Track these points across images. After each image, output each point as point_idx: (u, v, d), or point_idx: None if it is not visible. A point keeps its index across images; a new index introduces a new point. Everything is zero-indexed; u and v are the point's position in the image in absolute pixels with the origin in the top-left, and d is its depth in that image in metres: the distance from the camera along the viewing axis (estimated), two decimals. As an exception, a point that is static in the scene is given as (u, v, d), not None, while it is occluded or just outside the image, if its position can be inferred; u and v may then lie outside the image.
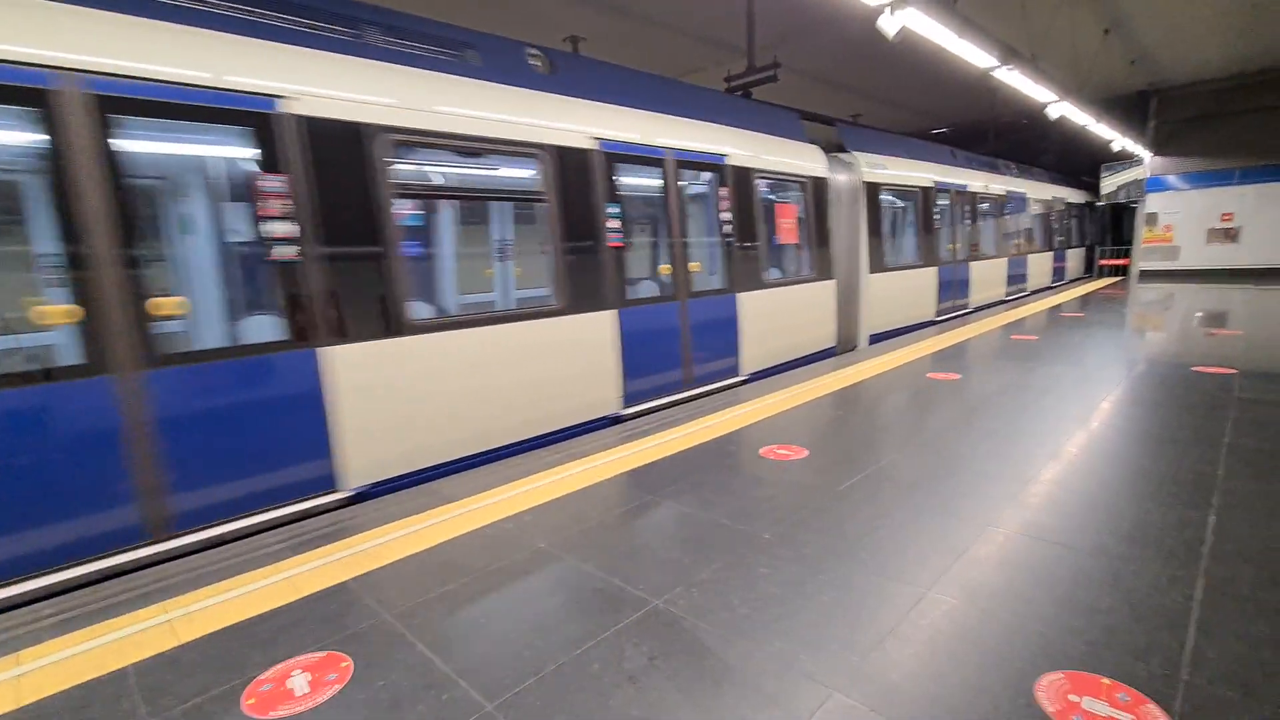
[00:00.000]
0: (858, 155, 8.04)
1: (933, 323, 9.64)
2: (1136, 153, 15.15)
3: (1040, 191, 14.49)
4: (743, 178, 6.11)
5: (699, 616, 2.15)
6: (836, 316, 7.58)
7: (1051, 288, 14.89)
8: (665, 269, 5.59)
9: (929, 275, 9.58)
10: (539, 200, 4.47)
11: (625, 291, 5.02)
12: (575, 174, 4.59)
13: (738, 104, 6.82)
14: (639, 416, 5.00)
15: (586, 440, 4.28)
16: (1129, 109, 14.64)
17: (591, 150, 4.72)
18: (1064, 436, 3.83)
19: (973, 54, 6.37)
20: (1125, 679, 1.75)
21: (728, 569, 2.47)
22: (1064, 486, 3.11)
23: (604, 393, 4.87)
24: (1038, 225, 14.35)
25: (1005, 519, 2.77)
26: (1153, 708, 1.64)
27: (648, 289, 5.92)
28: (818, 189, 7.21)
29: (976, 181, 11.21)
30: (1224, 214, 14.66)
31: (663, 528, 2.88)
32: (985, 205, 11.52)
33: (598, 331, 4.78)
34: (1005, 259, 12.44)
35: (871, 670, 1.84)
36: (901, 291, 8.96)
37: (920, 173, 9.36)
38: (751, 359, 6.26)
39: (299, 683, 1.91)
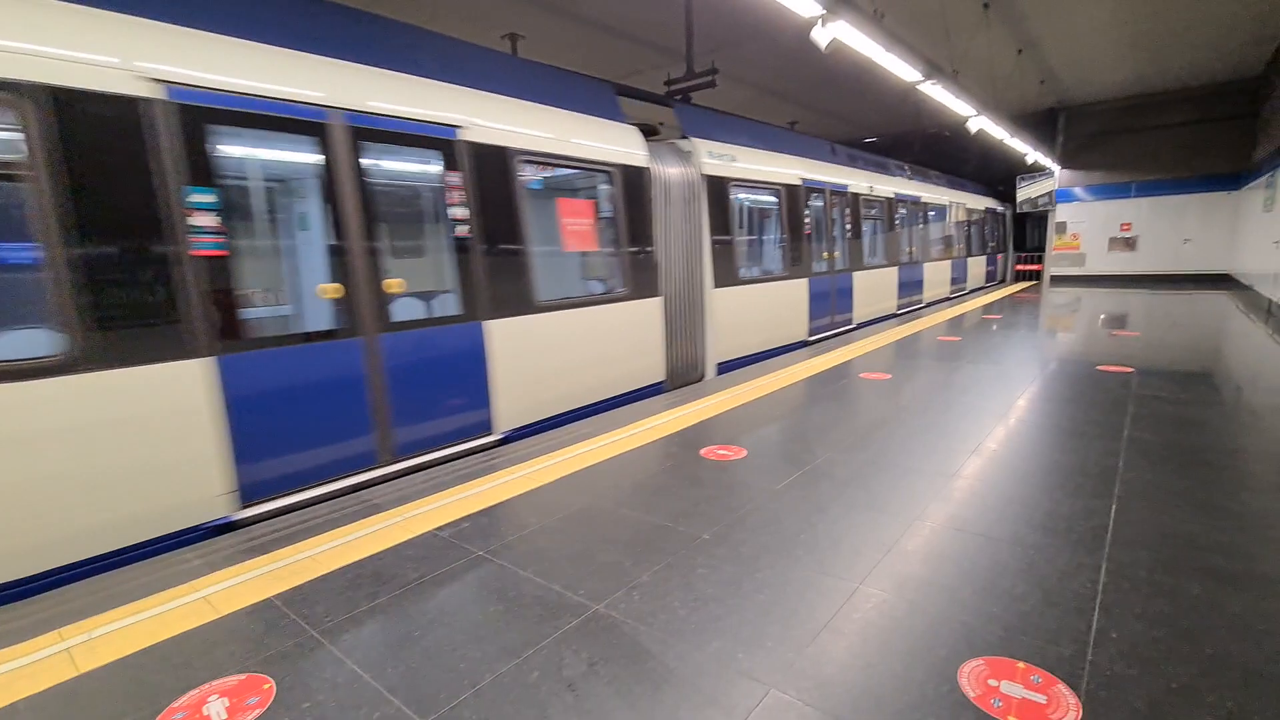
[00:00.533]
0: (698, 143, 6.59)
1: (805, 344, 8.41)
2: (1048, 165, 16.23)
3: (938, 196, 13.73)
4: (494, 161, 4.42)
5: (639, 620, 2.15)
6: (666, 343, 6.05)
7: (951, 298, 14.14)
8: (332, 290, 3.65)
9: (798, 289, 8.25)
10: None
11: (236, 327, 3.25)
12: (101, 135, 2.84)
13: (502, 63, 4.95)
14: (274, 517, 3.30)
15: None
16: (1040, 124, 15.68)
17: (143, 99, 2.95)
18: (984, 433, 4.05)
19: (899, 68, 6.67)
20: (1038, 662, 1.86)
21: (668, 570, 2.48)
22: (984, 480, 3.28)
23: (189, 488, 3.09)
24: (936, 232, 13.60)
25: (931, 512, 2.90)
26: (1062, 688, 1.75)
27: (293, 321, 4.15)
28: (633, 181, 5.65)
29: (859, 181, 10.11)
30: (1123, 224, 15.90)
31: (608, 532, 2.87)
32: (872, 209, 10.57)
33: (168, 393, 3.00)
34: (896, 268, 11.38)
35: (806, 665, 1.89)
36: (761, 309, 7.53)
37: (783, 168, 8.04)
38: (515, 409, 4.61)
39: (216, 709, 1.80)
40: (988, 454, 3.67)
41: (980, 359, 6.54)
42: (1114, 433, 3.96)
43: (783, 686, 1.80)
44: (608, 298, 5.44)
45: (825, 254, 9.02)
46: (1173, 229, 15.23)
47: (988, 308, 11.53)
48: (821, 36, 5.14)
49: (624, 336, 5.56)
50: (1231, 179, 14.25)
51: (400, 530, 2.96)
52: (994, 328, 8.87)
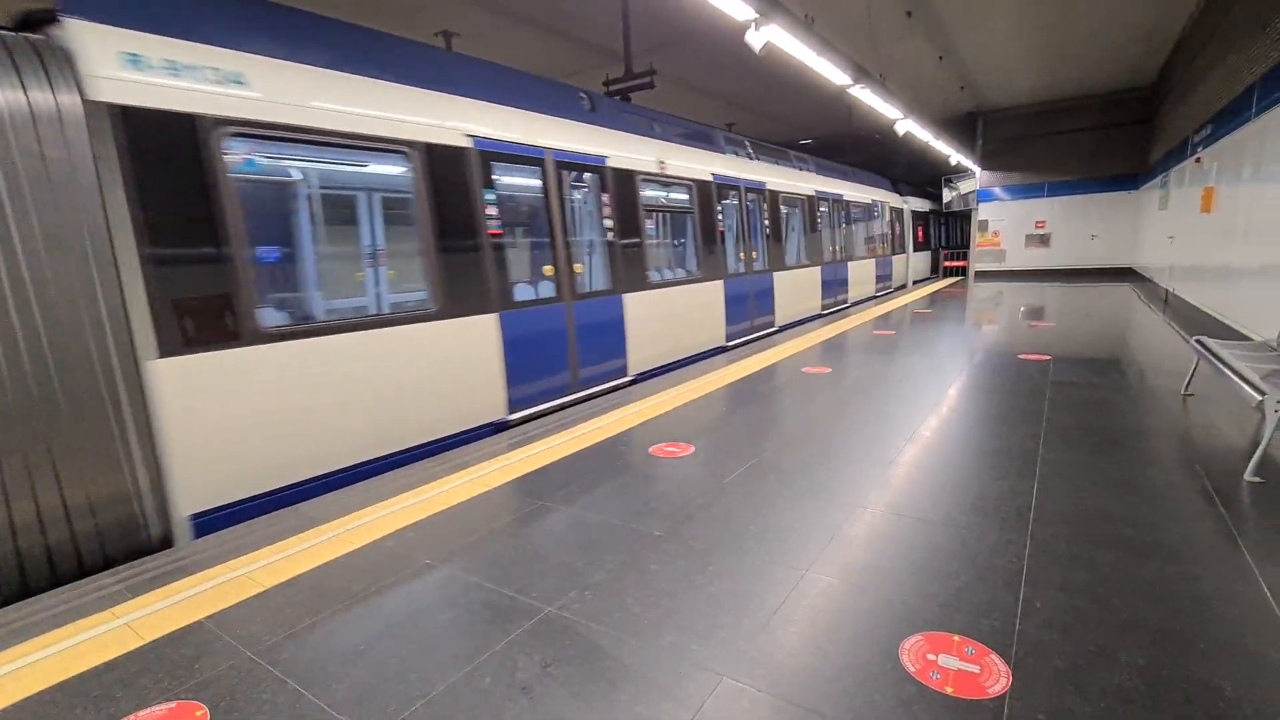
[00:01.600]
0: (89, 32, 2.94)
1: (503, 426, 4.89)
2: (969, 166, 17.12)
3: (796, 184, 10.50)
4: None
5: (592, 619, 2.15)
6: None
7: (826, 314, 11.25)
8: None
9: (471, 335, 4.66)
10: None
11: None
12: None
13: None
14: None
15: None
16: (962, 128, 16.53)
17: None
18: (919, 421, 4.24)
19: (830, 71, 6.89)
20: (972, 634, 1.96)
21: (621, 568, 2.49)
22: (919, 466, 3.43)
23: None
24: (796, 232, 10.58)
25: (872, 499, 3.02)
26: (994, 657, 1.86)
27: None
28: None
29: (634, 153, 6.63)
30: (1038, 222, 16.95)
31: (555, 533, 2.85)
32: (672, 198, 7.64)
33: None
34: (721, 282, 8.07)
35: (758, 653, 1.93)
36: (351, 383, 3.88)
37: (419, 115, 4.39)
38: None
39: (143, 741, 1.68)
40: (922, 441, 3.84)
41: (913, 350, 6.83)
42: (1035, 417, 4.21)
43: (735, 674, 1.84)
44: None
45: (550, 269, 5.55)
46: (1082, 226, 16.33)
47: (913, 305, 12.02)
48: (755, 40, 5.26)
49: None
50: (1132, 180, 15.38)
51: (343, 542, 2.86)
52: (915, 323, 9.28)
